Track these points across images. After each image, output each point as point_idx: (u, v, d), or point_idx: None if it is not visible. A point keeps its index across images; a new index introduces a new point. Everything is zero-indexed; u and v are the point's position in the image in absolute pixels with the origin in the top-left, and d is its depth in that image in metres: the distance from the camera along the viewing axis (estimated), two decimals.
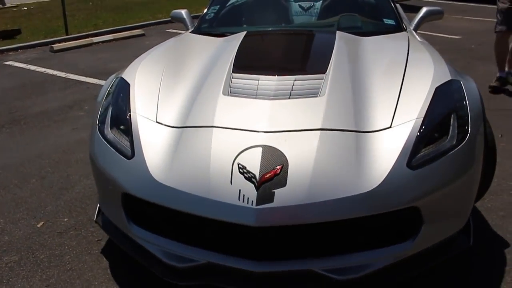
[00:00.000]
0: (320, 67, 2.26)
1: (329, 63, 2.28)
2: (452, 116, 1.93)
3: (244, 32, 2.83)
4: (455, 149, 1.83)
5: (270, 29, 3.11)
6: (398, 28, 3.03)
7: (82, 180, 3.00)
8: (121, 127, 2.07)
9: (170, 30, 8.51)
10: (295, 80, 2.15)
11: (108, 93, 2.27)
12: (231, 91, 2.12)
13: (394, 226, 1.80)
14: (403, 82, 2.11)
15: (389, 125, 1.88)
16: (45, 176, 3.08)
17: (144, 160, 1.86)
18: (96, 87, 5.04)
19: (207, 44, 2.78)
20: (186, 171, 1.78)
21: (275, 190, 1.65)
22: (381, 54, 2.48)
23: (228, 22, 3.37)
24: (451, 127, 1.90)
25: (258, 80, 2.18)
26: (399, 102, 1.99)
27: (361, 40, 2.68)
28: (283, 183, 1.66)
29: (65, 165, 3.24)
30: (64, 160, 3.32)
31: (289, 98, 2.03)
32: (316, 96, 2.03)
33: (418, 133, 1.83)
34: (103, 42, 7.48)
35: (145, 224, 1.94)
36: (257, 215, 1.61)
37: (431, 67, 2.21)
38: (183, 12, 3.61)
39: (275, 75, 2.21)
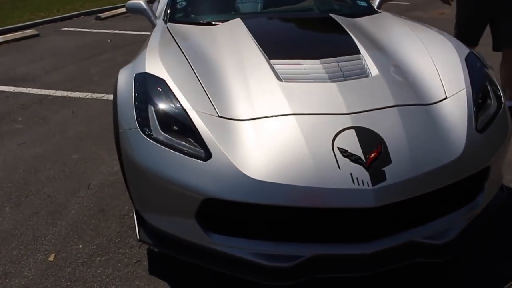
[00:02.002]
0: (351, 48, 2.27)
1: (355, 44, 2.31)
2: (487, 83, 2.13)
3: (238, 19, 2.70)
4: (500, 112, 2.03)
5: (258, 14, 3.02)
6: (371, 9, 3.18)
7: (70, 199, 2.56)
8: (175, 127, 1.81)
9: (66, 29, 7.68)
10: (337, 62, 2.13)
11: (139, 93, 1.96)
12: (283, 77, 2.01)
13: (468, 187, 1.93)
14: (431, 57, 2.24)
15: (445, 96, 1.99)
16: (19, 202, 2.56)
17: (228, 159, 1.68)
18: (18, 95, 4.34)
19: (209, 33, 2.57)
20: (285, 163, 1.65)
21: (384, 168, 1.64)
22: (390, 32, 2.58)
23: (204, 10, 3.16)
24: (490, 93, 2.09)
25: (300, 64, 2.11)
26: (440, 74, 2.11)
27: (358, 21, 2.76)
28: (388, 160, 1.66)
29: (36, 186, 2.73)
30: (31, 180, 2.80)
31: (345, 79, 2.01)
32: (368, 76, 2.05)
33: (472, 101, 1.97)
34: None
35: (227, 230, 1.76)
36: (375, 196, 1.59)
37: (447, 41, 2.37)
38: (142, 2, 3.29)
39: (315, 58, 2.16)
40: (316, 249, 1.71)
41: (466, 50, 2.28)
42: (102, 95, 4.33)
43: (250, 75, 2.04)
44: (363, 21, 2.80)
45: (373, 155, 1.67)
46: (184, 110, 1.83)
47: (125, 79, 2.11)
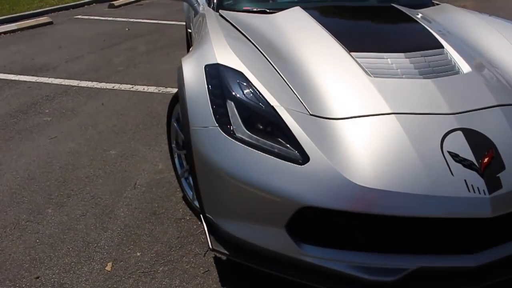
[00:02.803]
0: (432, 41, 2.06)
1: (434, 37, 2.11)
2: None
3: (297, 7, 2.48)
4: None
5: (314, 2, 2.80)
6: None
7: (117, 200, 2.36)
8: (261, 126, 1.60)
9: (79, 17, 7.42)
10: (423, 56, 1.92)
11: (214, 86, 1.76)
12: (371, 72, 1.81)
13: None
14: None
15: None
16: (62, 203, 2.36)
17: (329, 163, 1.48)
18: (42, 86, 4.11)
19: (272, 21, 2.34)
20: (392, 168, 1.45)
21: (499, 175, 1.46)
22: (465, 26, 2.37)
23: None
24: None
25: (384, 58, 1.90)
26: None
27: (425, 12, 2.56)
28: (502, 166, 1.48)
29: (77, 184, 2.53)
30: (70, 179, 2.59)
31: (438, 76, 1.81)
32: (459, 72, 1.85)
33: None
34: (5, 32, 6.17)
35: (321, 240, 1.57)
36: (492, 205, 1.42)
37: None
38: None
39: (398, 52, 1.95)
40: (421, 261, 1.53)
41: None
42: (130, 86, 4.11)
43: (335, 69, 1.83)
44: (430, 12, 2.60)
45: (486, 160, 1.49)
46: (272, 106, 1.63)
47: (192, 70, 1.90)
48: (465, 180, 1.45)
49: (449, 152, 1.50)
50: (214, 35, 2.11)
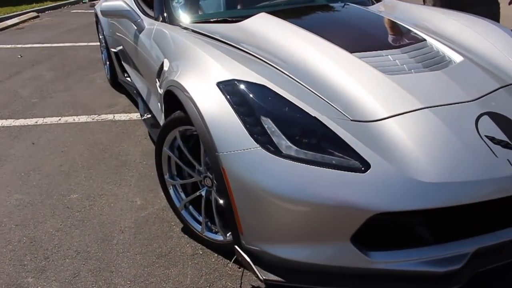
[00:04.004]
0: (414, 35, 2.17)
1: (411, 30, 2.22)
2: None
3: (263, 13, 2.41)
4: None
5: (266, 7, 2.72)
6: None
7: (111, 250, 2.02)
8: (307, 139, 1.51)
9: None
10: (416, 50, 1.99)
11: (239, 104, 1.59)
12: (382, 70, 1.82)
13: None
14: (487, 39, 2.23)
15: None
16: (42, 268, 1.94)
17: (390, 166, 1.44)
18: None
19: (245, 30, 2.23)
20: (447, 160, 1.48)
21: None
22: (426, 18, 2.52)
23: (209, 6, 2.78)
24: None
25: (384, 56, 1.92)
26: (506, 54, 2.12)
27: (380, 8, 2.69)
28: None
29: (50, 241, 2.11)
30: (38, 236, 2.15)
31: (441, 67, 1.89)
32: (453, 62, 1.96)
33: None
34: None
35: (386, 244, 1.54)
36: None
37: (483, 21, 2.41)
38: (123, 3, 2.79)
39: (393, 48, 2.00)
40: (477, 243, 1.58)
41: (504, 28, 2.34)
42: (57, 118, 3.63)
43: (350, 71, 1.80)
44: (384, 8, 2.73)
45: None
46: (314, 117, 1.55)
47: (200, 90, 1.72)
48: (507, 160, 1.53)
49: (486, 136, 1.57)
50: (202, 49, 1.94)
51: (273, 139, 1.51)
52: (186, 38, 2.15)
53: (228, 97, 1.62)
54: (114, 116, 3.62)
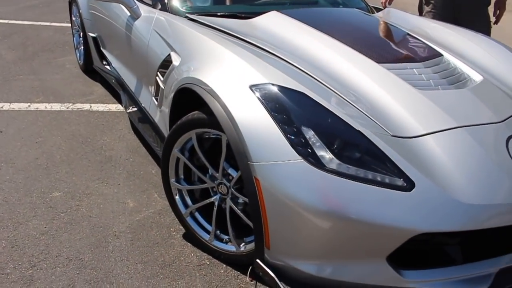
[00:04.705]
0: (430, 49, 2.16)
1: (428, 45, 2.21)
2: None
3: (274, 12, 2.31)
4: None
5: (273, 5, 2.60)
6: (367, 4, 3.12)
7: (107, 258, 1.84)
8: (349, 153, 1.43)
9: None
10: (436, 65, 1.97)
11: (278, 111, 1.48)
12: (413, 84, 1.77)
13: None
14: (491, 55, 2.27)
15: None
16: (30, 278, 1.72)
17: (435, 186, 1.40)
18: None
19: (262, 29, 2.11)
20: (483, 182, 1.48)
21: None
22: (433, 30, 2.53)
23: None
24: None
25: (409, 69, 1.88)
26: None
27: (382, 18, 2.68)
28: None
29: (34, 246, 1.88)
30: (20, 240, 1.92)
31: (462, 85, 1.89)
32: (469, 79, 1.96)
33: None
34: None
35: (418, 263, 1.51)
36: None
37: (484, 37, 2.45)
38: None
39: (416, 62, 1.96)
40: (501, 263, 1.59)
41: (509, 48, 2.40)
42: (26, 105, 3.29)
43: (381, 83, 1.74)
44: (388, 17, 2.71)
45: None
46: (358, 131, 1.47)
47: (232, 93, 1.59)
48: None
49: None
50: (227, 46, 1.81)
51: (316, 151, 1.42)
52: (203, 32, 2.00)
53: (264, 102, 1.51)
54: (91, 106, 3.35)
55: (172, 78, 2.02)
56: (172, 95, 1.95)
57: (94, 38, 3.53)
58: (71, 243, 1.95)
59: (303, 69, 1.76)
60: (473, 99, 1.80)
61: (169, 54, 2.11)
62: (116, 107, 3.38)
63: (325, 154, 1.42)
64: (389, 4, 3.39)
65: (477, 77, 1.99)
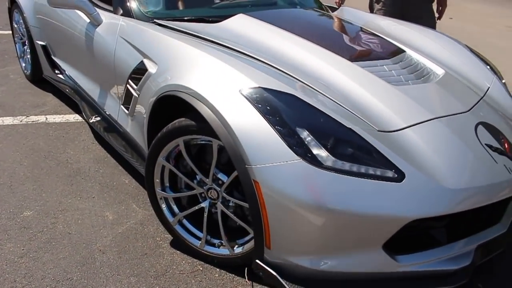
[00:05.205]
0: (393, 46, 2.29)
1: (390, 42, 2.34)
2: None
3: (241, 15, 2.33)
4: None
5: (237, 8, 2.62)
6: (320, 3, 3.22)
7: (96, 274, 1.79)
8: (342, 150, 1.50)
9: None
10: (402, 61, 2.10)
11: (271, 114, 1.50)
12: (387, 80, 1.87)
13: None
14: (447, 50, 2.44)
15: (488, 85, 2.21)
16: None
17: (423, 175, 1.52)
18: None
19: (231, 32, 2.12)
20: (464, 168, 1.63)
21: None
22: (387, 27, 2.65)
23: (173, 4, 2.58)
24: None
25: (379, 66, 1.99)
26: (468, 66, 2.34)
27: (340, 16, 2.80)
28: None
29: (14, 271, 1.78)
30: None
31: (428, 79, 2.02)
32: (432, 72, 2.09)
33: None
34: None
35: (409, 247, 1.62)
36: None
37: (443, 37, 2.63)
38: None
39: (384, 59, 2.08)
40: (477, 240, 1.74)
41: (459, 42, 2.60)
42: None
43: (358, 81, 1.83)
44: (343, 15, 2.83)
45: (506, 145, 1.79)
46: (349, 128, 1.54)
47: (223, 99, 1.60)
48: (504, 165, 1.71)
49: (486, 144, 1.73)
50: (205, 51, 1.82)
51: (312, 150, 1.48)
52: (178, 38, 1.98)
53: (257, 106, 1.54)
54: (46, 118, 3.19)
55: (148, 85, 1.99)
56: (151, 103, 1.92)
57: (43, 46, 3.35)
58: (55, 263, 1.87)
59: (285, 71, 1.81)
60: (441, 91, 1.95)
61: (142, 61, 2.07)
62: (74, 117, 3.24)
63: (321, 153, 1.48)
64: (342, 3, 3.53)
65: (439, 70, 2.14)
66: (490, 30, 7.37)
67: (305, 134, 1.50)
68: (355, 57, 2.03)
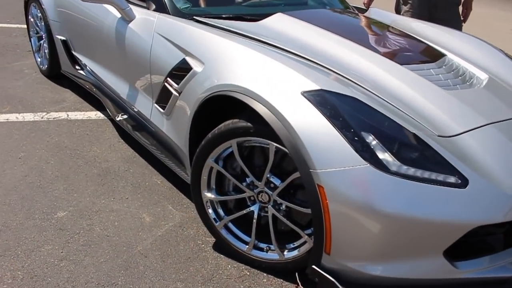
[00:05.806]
0: (433, 50, 2.25)
1: (430, 46, 2.30)
2: None
3: (280, 13, 2.28)
4: None
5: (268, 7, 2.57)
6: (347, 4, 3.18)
7: (142, 279, 1.73)
8: (407, 155, 1.45)
9: None
10: (446, 65, 2.06)
11: (335, 117, 1.46)
12: (438, 85, 1.84)
13: None
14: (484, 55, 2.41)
15: None
16: None
17: (486, 181, 1.49)
18: None
19: (277, 31, 2.07)
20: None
21: None
22: (426, 29, 2.62)
23: (209, 1, 2.52)
24: None
25: (426, 69, 1.95)
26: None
27: (374, 18, 2.76)
28: None
29: (56, 275, 1.72)
30: (38, 268, 1.74)
31: (476, 83, 1.99)
32: (475, 76, 2.05)
33: None
34: None
35: (469, 254, 1.59)
36: None
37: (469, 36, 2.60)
38: None
39: (430, 63, 2.04)
40: None
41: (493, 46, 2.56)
42: None
43: (411, 86, 1.79)
44: (376, 16, 2.80)
45: None
46: (412, 133, 1.50)
47: (285, 101, 1.55)
48: None
49: None
50: (259, 51, 1.77)
51: (378, 155, 1.44)
52: (227, 36, 1.93)
53: (320, 108, 1.50)
54: (68, 115, 3.11)
55: (193, 84, 1.93)
56: (198, 102, 1.86)
57: (63, 41, 3.27)
58: (96, 267, 1.81)
59: (342, 73, 1.77)
60: (490, 96, 1.91)
61: (184, 59, 2.02)
62: (95, 114, 3.16)
63: (386, 157, 1.44)
64: (370, 4, 3.50)
65: (482, 75, 2.10)
66: (495, 33, 7.41)
67: (370, 139, 1.45)
68: (403, 60, 1.98)
